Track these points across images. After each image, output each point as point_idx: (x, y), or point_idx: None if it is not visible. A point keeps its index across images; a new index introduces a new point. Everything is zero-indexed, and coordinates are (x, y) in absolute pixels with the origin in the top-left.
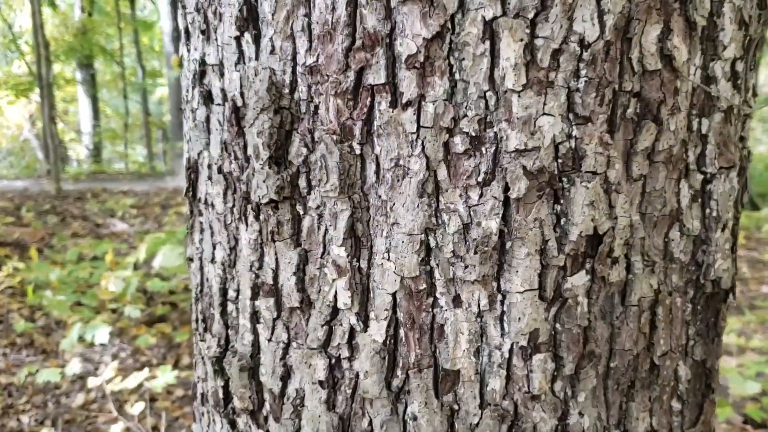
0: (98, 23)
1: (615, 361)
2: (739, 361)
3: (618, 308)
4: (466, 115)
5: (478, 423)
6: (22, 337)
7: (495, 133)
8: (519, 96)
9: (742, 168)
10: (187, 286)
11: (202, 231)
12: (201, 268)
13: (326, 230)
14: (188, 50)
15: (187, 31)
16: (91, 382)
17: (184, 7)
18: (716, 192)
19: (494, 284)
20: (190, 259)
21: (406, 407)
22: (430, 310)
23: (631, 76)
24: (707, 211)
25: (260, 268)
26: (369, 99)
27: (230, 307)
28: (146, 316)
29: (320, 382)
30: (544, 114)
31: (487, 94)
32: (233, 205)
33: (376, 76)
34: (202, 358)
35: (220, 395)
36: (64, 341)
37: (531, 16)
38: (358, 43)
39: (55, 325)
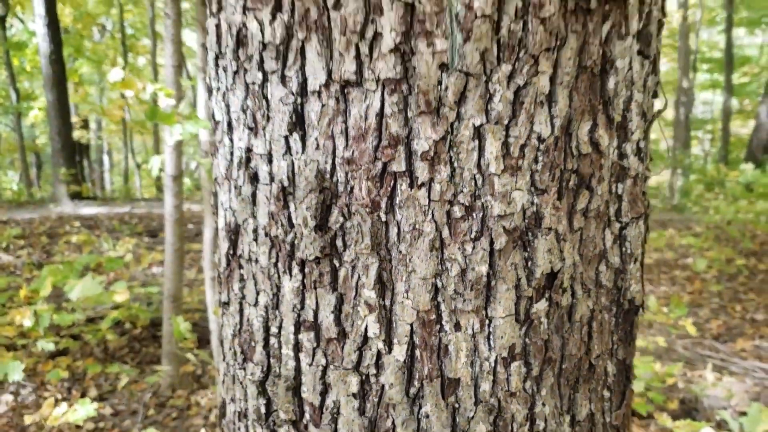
0: None
1: (565, 363)
2: None
3: (566, 324)
4: (462, 191)
5: (473, 416)
6: None
7: (482, 203)
8: (499, 177)
9: (646, 215)
10: (90, 317)
11: (242, 280)
12: (241, 310)
13: (359, 278)
14: (231, 139)
15: (230, 124)
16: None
17: (227, 106)
18: (629, 235)
19: (484, 312)
20: (226, 304)
21: (420, 408)
22: (438, 334)
23: (572, 158)
24: (624, 249)
25: (302, 308)
26: (392, 181)
27: (272, 340)
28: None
29: (353, 394)
30: (515, 189)
31: (476, 176)
32: (276, 261)
33: (398, 165)
34: (241, 383)
35: (263, 411)
36: None
37: (506, 122)
38: (384, 142)
39: None
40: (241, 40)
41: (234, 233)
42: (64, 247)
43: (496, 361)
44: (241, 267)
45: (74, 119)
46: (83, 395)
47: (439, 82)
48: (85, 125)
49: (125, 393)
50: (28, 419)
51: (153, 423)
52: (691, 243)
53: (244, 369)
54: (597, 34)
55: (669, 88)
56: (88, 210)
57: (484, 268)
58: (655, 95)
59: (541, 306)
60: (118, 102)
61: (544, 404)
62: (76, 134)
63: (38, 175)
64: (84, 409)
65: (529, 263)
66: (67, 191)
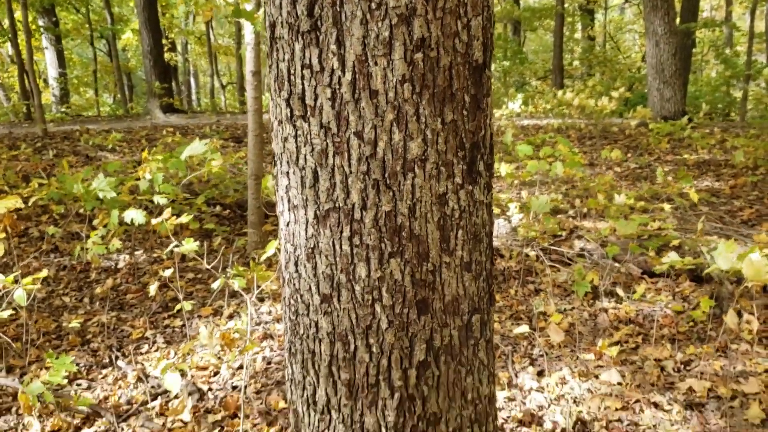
0: None
1: (436, 89)
2: None
3: (435, 68)
4: None
5: (385, 110)
6: (47, 245)
7: (386, 1)
8: None
9: (487, 15)
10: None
11: (276, 50)
12: (277, 65)
13: (328, 39)
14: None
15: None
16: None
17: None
18: (473, 25)
19: (389, 56)
20: (271, 65)
21: (359, 103)
22: (366, 68)
23: None
24: (470, 32)
25: (304, 57)
26: None
27: (291, 77)
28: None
29: (328, 99)
30: None
31: None
32: (291, 35)
33: None
34: (278, 104)
35: (288, 114)
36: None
37: None
38: None
39: (77, 233)
40: None
41: (273, 26)
42: (161, 148)
43: (395, 82)
44: (276, 43)
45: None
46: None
47: None
48: (172, 48)
49: (218, 254)
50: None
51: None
52: (741, 143)
53: (280, 95)
54: None
55: None
56: (179, 121)
57: (387, 33)
58: None
59: (418, 56)
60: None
61: (424, 108)
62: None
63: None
64: (189, 246)
65: (410, 32)
66: (160, 104)
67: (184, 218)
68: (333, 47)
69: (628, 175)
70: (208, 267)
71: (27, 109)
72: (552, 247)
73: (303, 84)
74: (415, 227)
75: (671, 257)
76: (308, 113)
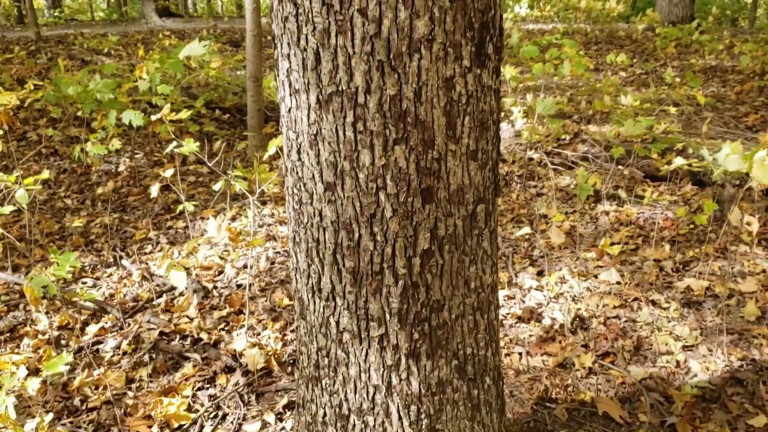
0: None
1: (447, 26)
2: None
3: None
4: None
5: (402, 49)
6: (46, 149)
7: None
8: None
9: None
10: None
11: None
12: (286, 17)
13: None
14: None
15: None
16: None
17: None
18: None
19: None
20: (281, 14)
21: (373, 47)
22: (377, 18)
23: None
24: None
25: (323, 6)
26: None
27: (301, 23)
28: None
29: (350, 36)
30: None
31: None
32: None
33: None
34: (288, 42)
35: (302, 42)
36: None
37: None
38: None
39: (76, 136)
40: None
41: None
42: (158, 51)
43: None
44: None
45: None
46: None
47: None
48: None
49: (218, 158)
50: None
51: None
52: (749, 48)
53: (288, 35)
54: None
55: None
56: (175, 25)
57: None
58: None
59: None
60: None
61: (437, 39)
62: None
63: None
64: (189, 146)
65: None
66: (156, 8)
67: (183, 114)
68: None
69: (633, 80)
70: (210, 166)
71: (19, 12)
72: (556, 150)
73: None
74: (420, 112)
75: (677, 161)
76: None
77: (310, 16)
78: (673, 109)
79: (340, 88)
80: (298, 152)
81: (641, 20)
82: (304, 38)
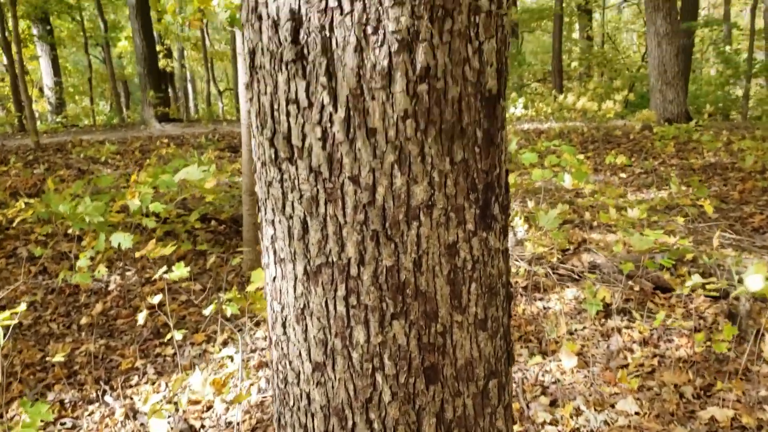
0: None
1: (444, 125)
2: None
3: (442, 101)
4: (370, 17)
5: (385, 151)
6: (35, 266)
7: (383, 24)
8: (391, 8)
9: (502, 39)
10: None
11: (257, 81)
12: (258, 99)
13: (317, 70)
14: None
15: None
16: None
17: None
18: (485, 49)
19: (388, 89)
20: (251, 99)
21: (354, 144)
22: (363, 102)
23: None
24: (482, 58)
25: (288, 90)
26: (331, 12)
27: (275, 113)
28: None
29: (318, 138)
30: (402, 15)
31: (378, 8)
32: (274, 65)
33: (333, 3)
34: (261, 143)
35: (273, 156)
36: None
37: None
38: None
39: (66, 253)
40: None
41: (252, 54)
42: (155, 160)
43: (397, 119)
44: (257, 73)
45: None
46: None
47: None
48: (169, 54)
49: (212, 274)
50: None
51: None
52: (748, 145)
53: (262, 134)
54: None
55: None
56: (175, 130)
57: (386, 62)
58: None
59: (423, 87)
60: (197, 15)
61: (430, 147)
62: (162, 63)
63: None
64: (178, 271)
65: (413, 60)
66: (155, 113)
67: (168, 249)
68: (323, 79)
69: (633, 180)
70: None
71: (20, 119)
72: (561, 260)
73: (288, 122)
74: (421, 283)
75: (692, 280)
76: (295, 155)
77: (296, 183)
78: (680, 219)
79: (330, 260)
80: (284, 326)
81: (638, 118)
82: (290, 205)
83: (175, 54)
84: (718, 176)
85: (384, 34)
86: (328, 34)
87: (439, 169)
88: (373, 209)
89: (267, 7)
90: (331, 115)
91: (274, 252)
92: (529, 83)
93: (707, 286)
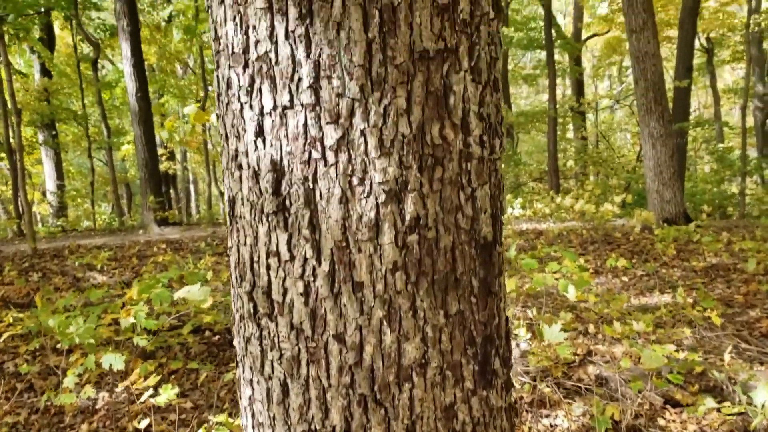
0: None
1: (436, 275)
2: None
3: (434, 250)
4: (356, 168)
5: (373, 306)
6: (21, 383)
7: (369, 175)
8: (378, 159)
9: (496, 183)
10: (173, 325)
11: (237, 231)
12: (238, 249)
13: (299, 222)
14: (227, 143)
15: (226, 135)
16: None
17: (224, 124)
18: (479, 196)
19: (375, 241)
20: (230, 247)
21: (338, 298)
22: (348, 255)
23: (428, 147)
24: (475, 204)
25: (269, 243)
26: (315, 164)
27: (255, 266)
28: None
29: (300, 294)
30: (389, 166)
31: (364, 159)
32: (254, 216)
33: (317, 154)
34: (240, 296)
35: (251, 311)
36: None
37: (380, 126)
38: (308, 141)
39: (54, 368)
40: (229, 84)
41: (232, 202)
42: (151, 267)
43: (385, 271)
44: (236, 222)
45: (161, 151)
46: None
47: (337, 104)
48: (171, 157)
49: (204, 390)
50: (120, 386)
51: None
52: (749, 246)
53: (241, 286)
54: (438, 71)
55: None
56: (174, 234)
57: (372, 214)
58: (497, 108)
59: (413, 238)
60: (195, 132)
61: (422, 300)
62: (164, 166)
63: (129, 206)
64: (166, 394)
65: (402, 210)
66: (155, 218)
67: (150, 381)
68: (305, 232)
69: (635, 283)
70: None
71: (19, 225)
72: (567, 381)
73: (269, 275)
74: None
75: (707, 404)
76: (275, 311)
77: (276, 341)
78: (688, 331)
79: (313, 427)
80: None
81: (637, 220)
82: (269, 365)
83: (178, 156)
84: (721, 278)
85: (371, 185)
86: (311, 186)
87: (432, 324)
88: (360, 371)
89: (247, 156)
90: (314, 268)
91: (252, 415)
92: (525, 182)
93: (722, 410)
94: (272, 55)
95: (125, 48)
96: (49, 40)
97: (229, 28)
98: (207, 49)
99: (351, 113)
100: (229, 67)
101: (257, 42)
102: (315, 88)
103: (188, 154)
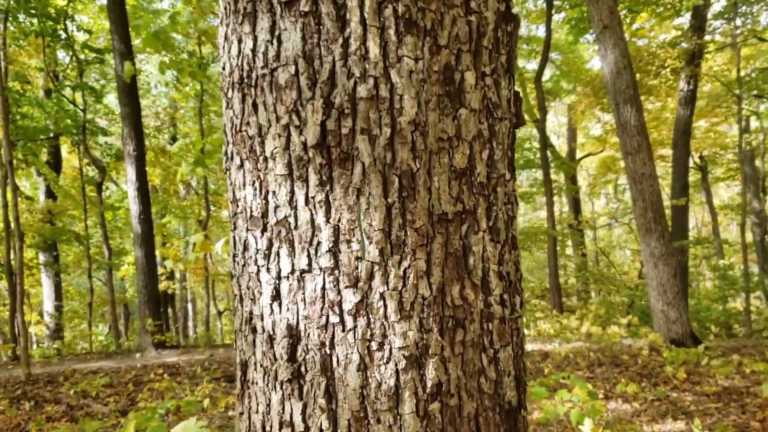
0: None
1: None
2: None
3: (457, 418)
4: (375, 333)
5: None
6: None
7: (389, 339)
8: (398, 323)
9: (518, 343)
10: None
11: (248, 396)
12: (249, 416)
13: (315, 391)
14: (241, 306)
15: (241, 297)
16: None
17: (239, 286)
18: (502, 357)
19: (395, 411)
20: (241, 413)
21: None
22: (366, 426)
23: (449, 308)
24: (499, 367)
25: (283, 413)
26: (332, 329)
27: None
28: None
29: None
30: (409, 330)
31: (384, 323)
32: (267, 382)
33: (335, 318)
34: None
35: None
36: None
37: (399, 288)
38: (326, 306)
39: None
40: (246, 246)
41: (244, 366)
42: (148, 395)
43: None
44: (248, 388)
45: (160, 271)
46: None
47: (356, 268)
48: (171, 276)
49: None
50: None
51: None
52: (762, 369)
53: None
54: (457, 232)
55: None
56: (171, 357)
57: (392, 381)
58: (516, 266)
59: (435, 406)
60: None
61: None
62: (163, 285)
63: (126, 326)
64: None
65: (423, 377)
66: (152, 341)
67: None
68: (321, 401)
69: (646, 408)
70: None
71: (14, 350)
72: None
73: None
74: None
75: None
76: None
77: None
78: None
79: None
80: None
81: (644, 342)
82: None
83: (177, 275)
84: (734, 402)
85: (390, 351)
86: (328, 352)
87: None
88: None
89: (263, 320)
90: None
91: None
92: (528, 301)
93: None
94: (291, 220)
95: (130, 172)
96: (55, 163)
97: (248, 192)
98: (212, 174)
99: (370, 276)
100: (247, 229)
101: (276, 207)
102: (334, 251)
103: (188, 273)
